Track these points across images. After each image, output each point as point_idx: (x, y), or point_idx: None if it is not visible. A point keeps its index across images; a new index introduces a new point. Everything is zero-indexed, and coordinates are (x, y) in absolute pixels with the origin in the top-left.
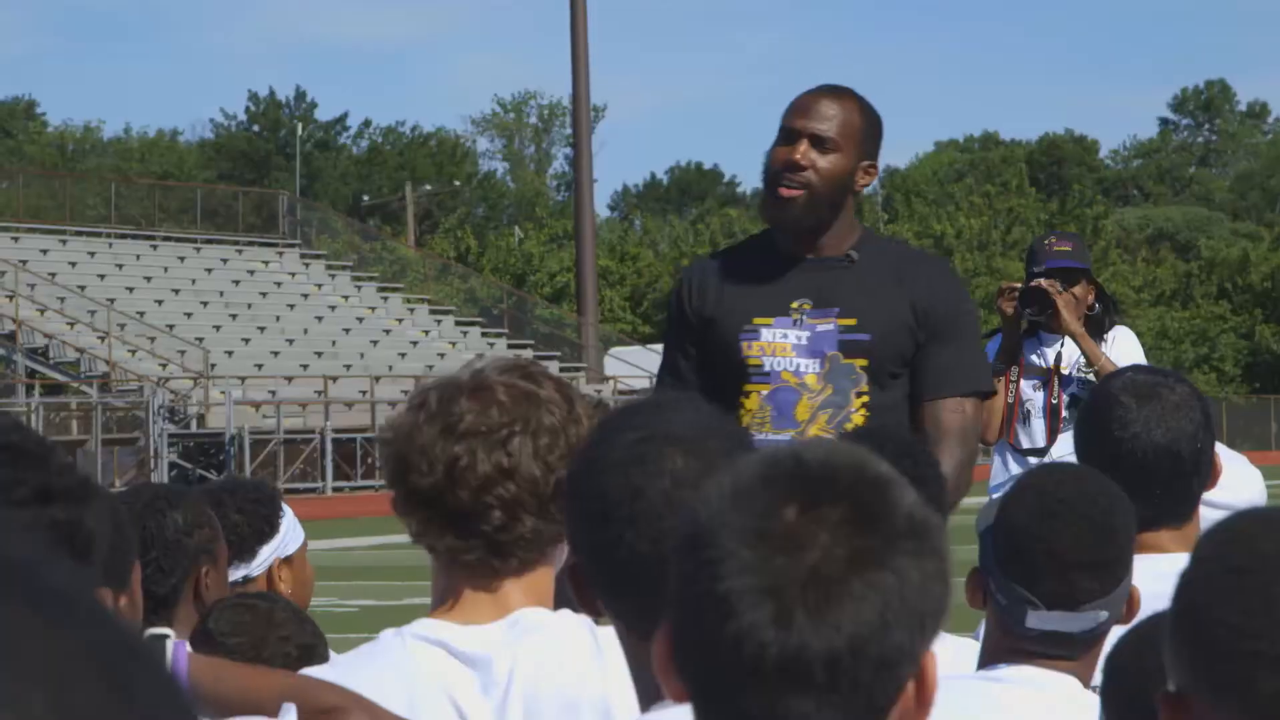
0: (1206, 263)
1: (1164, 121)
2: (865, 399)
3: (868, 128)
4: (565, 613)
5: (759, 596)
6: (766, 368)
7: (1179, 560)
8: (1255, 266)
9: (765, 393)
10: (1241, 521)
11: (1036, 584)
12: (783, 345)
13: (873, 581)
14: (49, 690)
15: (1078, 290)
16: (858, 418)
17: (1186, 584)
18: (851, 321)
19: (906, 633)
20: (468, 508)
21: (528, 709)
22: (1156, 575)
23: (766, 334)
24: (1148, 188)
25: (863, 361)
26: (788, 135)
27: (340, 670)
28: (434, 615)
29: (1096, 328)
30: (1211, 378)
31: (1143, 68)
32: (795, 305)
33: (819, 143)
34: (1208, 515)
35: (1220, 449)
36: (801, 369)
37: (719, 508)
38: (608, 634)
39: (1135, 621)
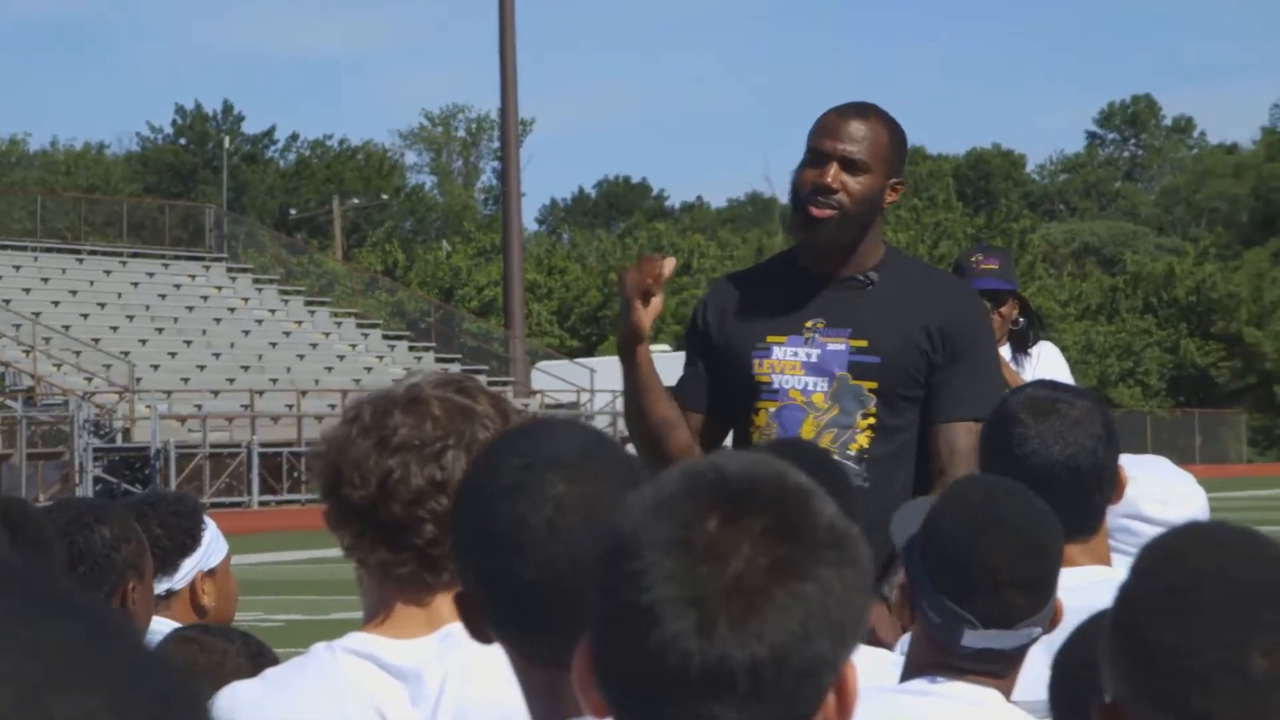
0: (1132, 277)
1: (1090, 136)
2: (872, 420)
3: (894, 145)
4: None
5: (682, 607)
6: (775, 385)
7: (1088, 573)
8: (1180, 281)
9: (772, 410)
10: (1179, 538)
11: (972, 603)
12: (792, 363)
13: (795, 591)
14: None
15: (1004, 310)
16: (862, 439)
17: (1125, 599)
18: (863, 343)
19: (828, 642)
20: (400, 521)
21: None
22: (1066, 588)
23: (778, 352)
24: (1074, 202)
25: (872, 384)
26: (817, 157)
27: (271, 683)
28: (365, 629)
29: (1021, 343)
30: (1136, 391)
31: (1069, 83)
32: (809, 324)
33: (849, 165)
34: (1149, 533)
35: (1167, 466)
36: (809, 387)
37: (641, 519)
38: None
39: (1079, 622)
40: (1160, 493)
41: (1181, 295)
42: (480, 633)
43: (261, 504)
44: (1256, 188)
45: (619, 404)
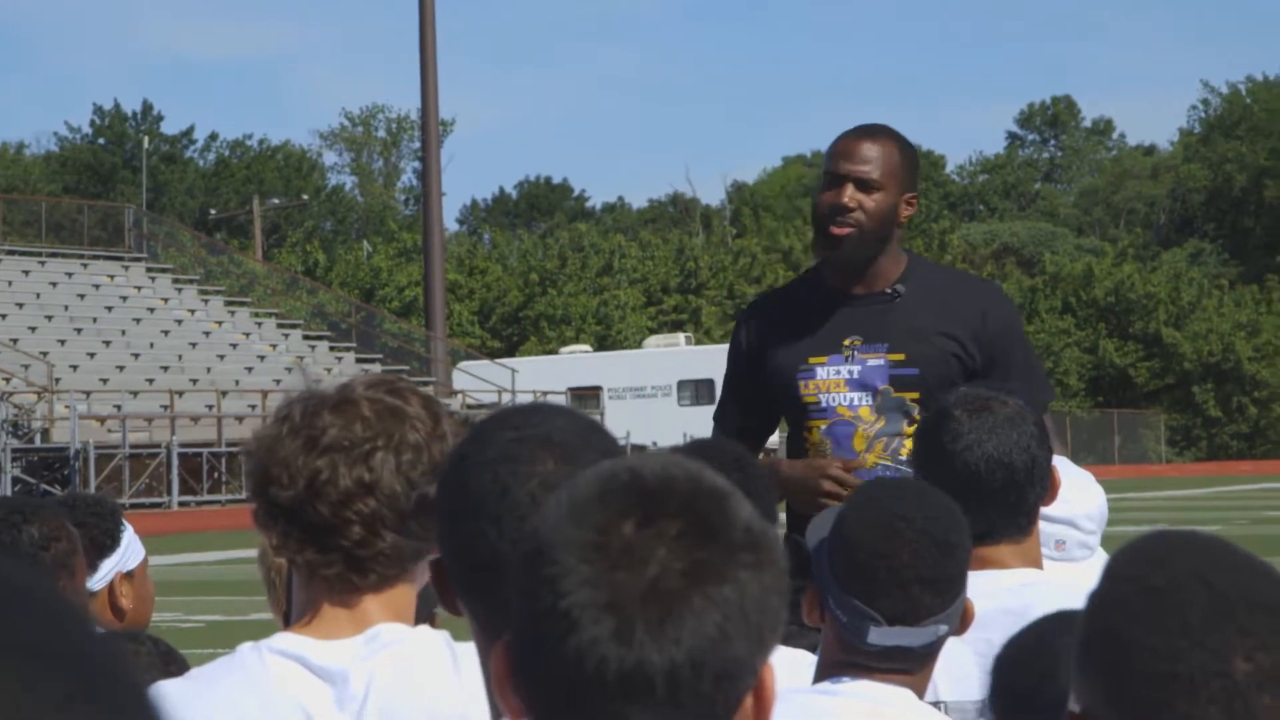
0: (1051, 277)
1: (1010, 137)
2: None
3: (905, 163)
4: (424, 628)
5: (599, 612)
6: (823, 404)
7: (1020, 575)
8: (1099, 281)
9: (824, 427)
10: (1155, 543)
11: (877, 600)
12: (836, 381)
13: (712, 595)
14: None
15: None
16: (911, 444)
17: (1100, 604)
18: (900, 357)
19: (746, 645)
20: (328, 522)
21: None
22: (998, 590)
23: (821, 372)
24: (993, 203)
25: (914, 395)
26: (833, 180)
27: (196, 683)
28: (292, 630)
29: None
30: (1056, 392)
31: (989, 84)
32: (847, 342)
33: (863, 184)
34: (1045, 530)
35: (1067, 465)
36: (855, 403)
37: (557, 523)
38: (466, 650)
39: (1024, 626)
40: (1061, 491)
41: (1100, 296)
42: (450, 602)
43: (181, 504)
44: (1174, 189)
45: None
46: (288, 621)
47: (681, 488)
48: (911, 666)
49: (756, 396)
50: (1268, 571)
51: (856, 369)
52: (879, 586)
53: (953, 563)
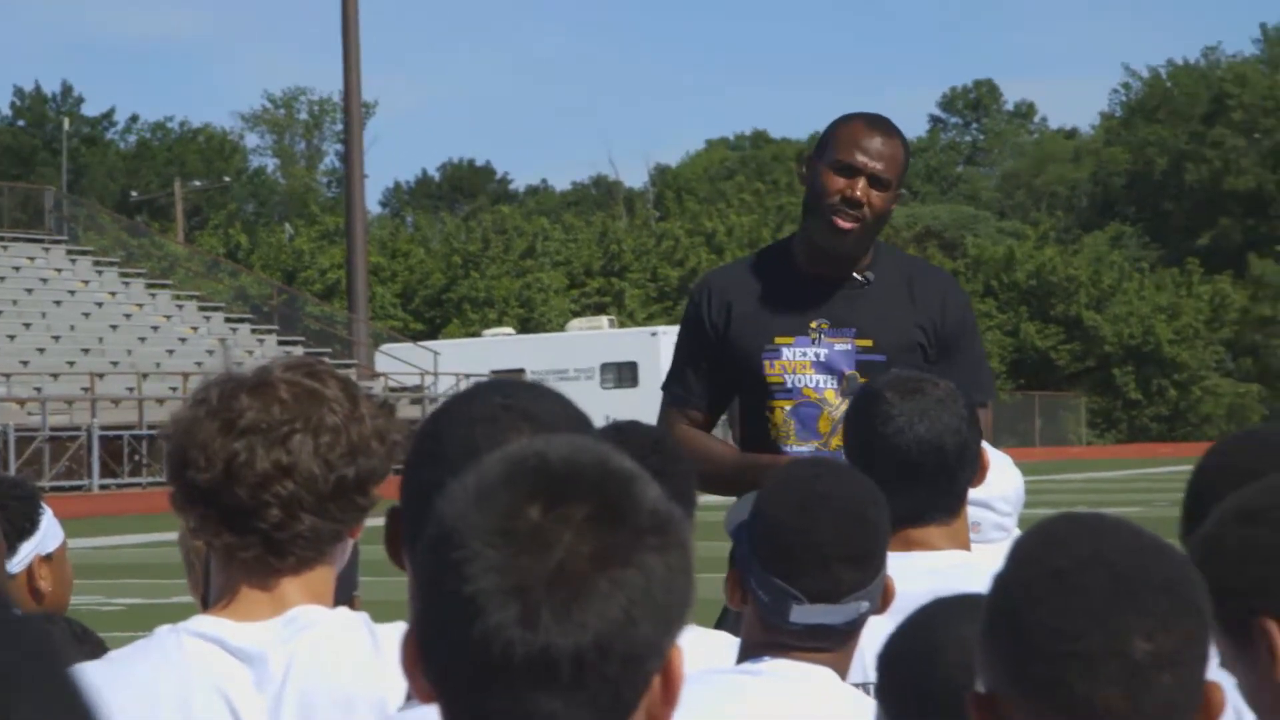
0: (973, 260)
1: (933, 120)
2: None
3: (907, 161)
4: (343, 610)
5: (505, 597)
6: (788, 385)
7: (948, 557)
8: (1020, 265)
9: (789, 408)
10: (1058, 525)
11: (798, 578)
12: (803, 363)
13: (618, 579)
14: None
15: None
16: None
17: (1004, 585)
18: (868, 343)
19: (653, 628)
20: (245, 505)
21: (302, 705)
22: (926, 571)
23: (787, 353)
24: (916, 186)
25: None
26: (846, 169)
27: (114, 665)
28: (210, 612)
29: None
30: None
31: (911, 67)
32: (814, 325)
33: (876, 181)
34: (969, 512)
35: (984, 447)
36: (820, 385)
37: (464, 508)
38: (385, 631)
39: (908, 614)
40: None
41: (1022, 279)
42: (396, 554)
43: (102, 487)
44: (1096, 172)
45: (463, 386)
46: (206, 603)
47: (588, 472)
48: (833, 645)
49: (716, 370)
50: (1170, 552)
51: (823, 352)
52: (800, 565)
53: (873, 539)
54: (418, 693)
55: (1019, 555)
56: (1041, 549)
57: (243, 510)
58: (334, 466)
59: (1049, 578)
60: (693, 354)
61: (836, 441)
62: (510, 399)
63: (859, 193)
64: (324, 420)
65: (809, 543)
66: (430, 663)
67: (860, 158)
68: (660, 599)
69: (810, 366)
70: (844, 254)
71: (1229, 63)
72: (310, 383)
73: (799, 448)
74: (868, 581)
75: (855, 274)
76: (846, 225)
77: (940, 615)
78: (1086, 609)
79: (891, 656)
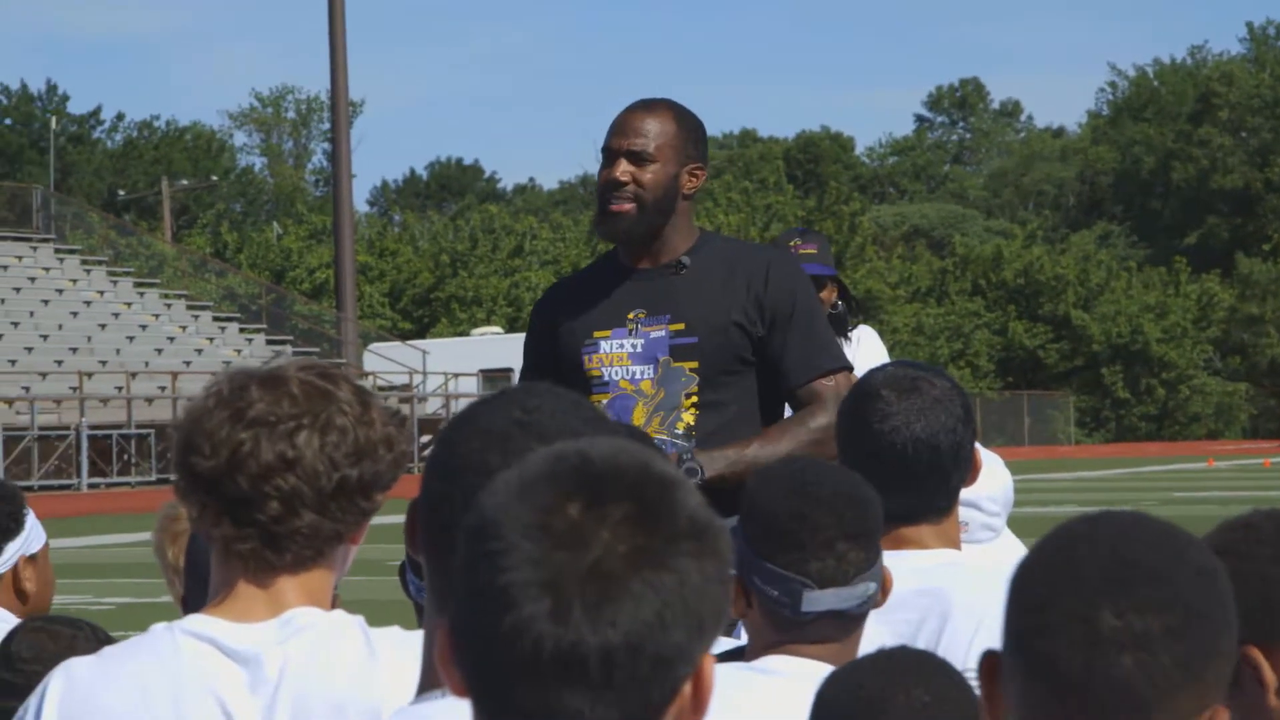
0: (961, 259)
1: (919, 119)
2: (695, 398)
3: (684, 133)
4: (339, 613)
5: (538, 590)
6: (605, 378)
7: (939, 555)
8: (1008, 263)
9: (605, 402)
10: (1101, 512)
11: (806, 563)
12: (619, 355)
13: (652, 581)
14: None
15: (824, 294)
16: (688, 417)
17: (1025, 556)
18: (681, 326)
19: (685, 633)
20: (246, 495)
21: (296, 709)
22: (916, 570)
23: (605, 345)
24: (903, 185)
25: (692, 364)
26: (608, 155)
27: (107, 662)
28: (206, 610)
29: (840, 327)
30: (966, 373)
31: (897, 66)
32: (631, 315)
33: (636, 158)
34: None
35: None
36: (637, 376)
37: (504, 500)
38: (381, 635)
39: (844, 668)
40: None
41: (1010, 278)
42: (413, 543)
43: (91, 487)
44: (1083, 171)
45: (451, 386)
46: (186, 606)
47: (629, 473)
48: (843, 634)
49: (551, 375)
50: (1189, 558)
51: (640, 342)
52: (806, 550)
53: (870, 516)
54: (450, 685)
55: (1040, 540)
56: (1070, 523)
57: (243, 500)
58: (338, 466)
59: (1057, 548)
60: (531, 363)
61: (650, 433)
62: (529, 414)
63: (619, 173)
64: (332, 419)
65: (811, 526)
66: (462, 655)
67: (615, 140)
68: (693, 605)
69: (627, 358)
70: (622, 236)
71: (1216, 61)
72: (323, 383)
73: None
74: (872, 561)
75: (671, 261)
76: (617, 208)
77: (877, 675)
78: (1072, 577)
79: (824, 705)
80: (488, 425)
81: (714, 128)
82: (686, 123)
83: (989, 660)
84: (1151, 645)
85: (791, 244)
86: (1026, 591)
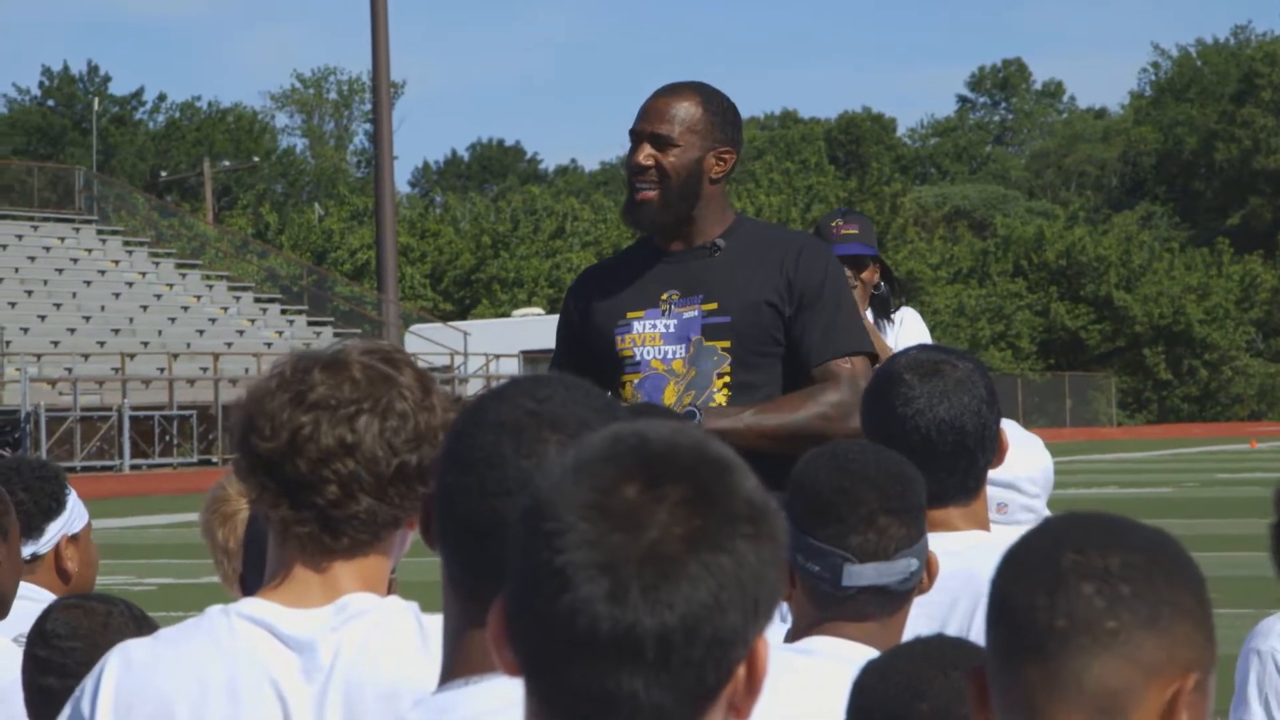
0: (1002, 240)
1: (961, 100)
2: (727, 379)
3: (712, 116)
4: (393, 599)
5: (595, 571)
6: (637, 358)
7: (968, 538)
8: (1050, 244)
9: (636, 381)
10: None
11: (846, 536)
12: (652, 335)
13: (709, 563)
14: None
15: (866, 275)
16: (720, 397)
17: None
18: (713, 306)
19: (740, 616)
20: (305, 478)
21: (348, 696)
22: (947, 552)
23: (638, 326)
24: (945, 165)
25: (725, 343)
26: (633, 138)
27: (163, 644)
28: (262, 594)
29: (883, 308)
30: (1007, 354)
31: (940, 47)
32: (664, 296)
33: (660, 142)
34: (988, 493)
35: (1015, 428)
36: (669, 356)
37: (561, 481)
38: (434, 622)
39: (883, 655)
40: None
41: (1051, 259)
42: (428, 536)
43: (133, 468)
44: (1125, 152)
45: (493, 367)
46: (245, 586)
47: (686, 455)
48: (884, 612)
49: (583, 357)
50: (1168, 559)
51: (673, 322)
52: (846, 524)
53: (912, 493)
54: (503, 665)
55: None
56: (1065, 513)
57: (302, 483)
58: (397, 451)
59: (1042, 527)
60: (564, 347)
61: (680, 410)
62: (541, 404)
63: (642, 157)
64: (393, 404)
65: (853, 499)
66: (516, 636)
67: (639, 124)
68: (750, 587)
69: (660, 338)
70: (649, 221)
71: (1259, 41)
72: (385, 367)
73: None
74: (915, 538)
75: (705, 243)
76: (643, 195)
77: (917, 660)
78: (1040, 534)
79: (865, 689)
80: (500, 417)
81: (755, 109)
82: (713, 105)
83: (976, 677)
84: (1109, 575)
85: (834, 224)
86: (1004, 559)
